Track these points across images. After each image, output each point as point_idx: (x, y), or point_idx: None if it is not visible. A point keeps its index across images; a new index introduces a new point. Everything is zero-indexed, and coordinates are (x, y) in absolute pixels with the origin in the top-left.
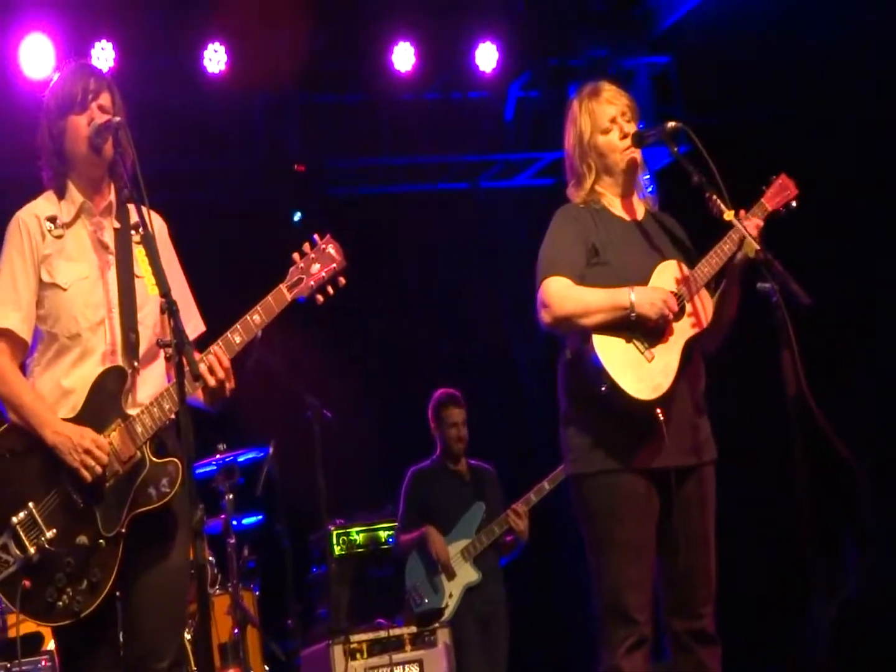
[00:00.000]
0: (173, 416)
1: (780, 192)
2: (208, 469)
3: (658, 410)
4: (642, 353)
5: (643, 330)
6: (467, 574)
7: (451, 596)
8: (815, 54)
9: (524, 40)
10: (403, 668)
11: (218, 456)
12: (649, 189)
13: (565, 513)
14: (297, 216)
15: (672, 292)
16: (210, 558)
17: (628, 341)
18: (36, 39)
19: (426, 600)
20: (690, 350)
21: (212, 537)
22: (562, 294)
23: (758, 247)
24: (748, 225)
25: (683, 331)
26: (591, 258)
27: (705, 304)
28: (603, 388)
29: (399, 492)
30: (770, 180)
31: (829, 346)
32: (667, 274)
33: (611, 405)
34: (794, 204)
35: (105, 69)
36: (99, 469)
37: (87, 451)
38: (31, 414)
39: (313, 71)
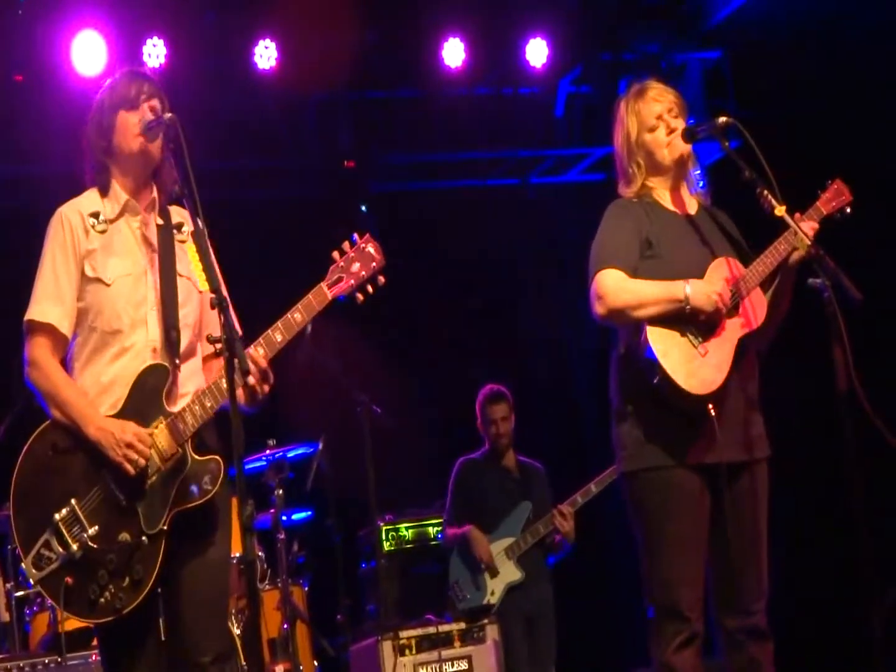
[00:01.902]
0: (214, 414)
1: (836, 197)
2: (258, 464)
3: (710, 406)
4: (696, 348)
5: (697, 325)
6: (510, 573)
7: (493, 594)
8: (868, 48)
9: (574, 35)
10: (452, 664)
11: (268, 451)
12: (701, 184)
13: (613, 510)
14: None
15: (727, 288)
16: (260, 554)
17: (682, 335)
18: (88, 36)
19: (468, 596)
20: (744, 347)
21: (261, 533)
22: (616, 286)
23: (809, 242)
24: (803, 226)
25: (737, 328)
26: (644, 251)
27: (759, 303)
28: (655, 380)
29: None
30: (826, 185)
31: (880, 341)
32: (721, 271)
33: (663, 399)
34: (848, 210)
35: (156, 66)
36: (142, 462)
37: (130, 445)
38: (73, 410)
39: (364, 67)
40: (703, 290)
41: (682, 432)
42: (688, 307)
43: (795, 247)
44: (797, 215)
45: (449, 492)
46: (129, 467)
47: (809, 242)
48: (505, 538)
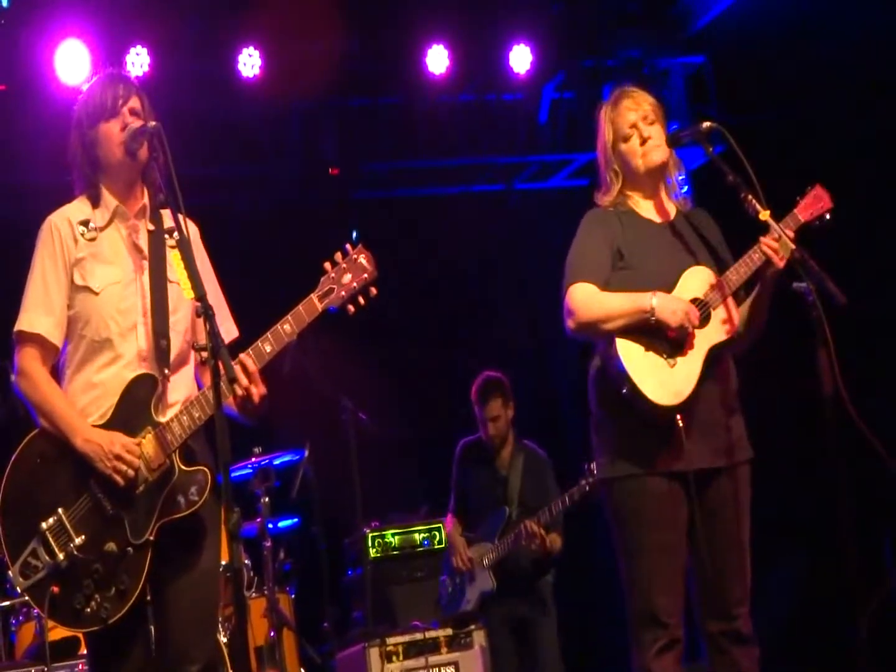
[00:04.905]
0: (202, 424)
1: (815, 204)
2: (244, 472)
3: (678, 416)
4: (665, 359)
5: (666, 337)
6: (484, 582)
7: (468, 602)
8: (851, 52)
9: (558, 42)
10: (440, 671)
11: (253, 459)
12: (685, 189)
13: (596, 516)
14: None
15: (698, 299)
16: (246, 562)
17: (651, 347)
18: (71, 45)
19: (448, 600)
20: (715, 355)
21: (248, 541)
22: (586, 300)
23: (793, 246)
24: (768, 241)
25: (708, 338)
26: (616, 262)
27: (732, 312)
28: (624, 391)
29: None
30: (805, 191)
31: (864, 344)
32: (694, 279)
33: (634, 409)
34: (827, 217)
35: (140, 74)
36: (131, 473)
37: (119, 457)
38: (61, 422)
39: (348, 75)
40: (670, 306)
41: (655, 440)
42: (653, 318)
43: (770, 257)
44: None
45: (452, 477)
46: (118, 479)
47: (794, 246)
48: (484, 543)
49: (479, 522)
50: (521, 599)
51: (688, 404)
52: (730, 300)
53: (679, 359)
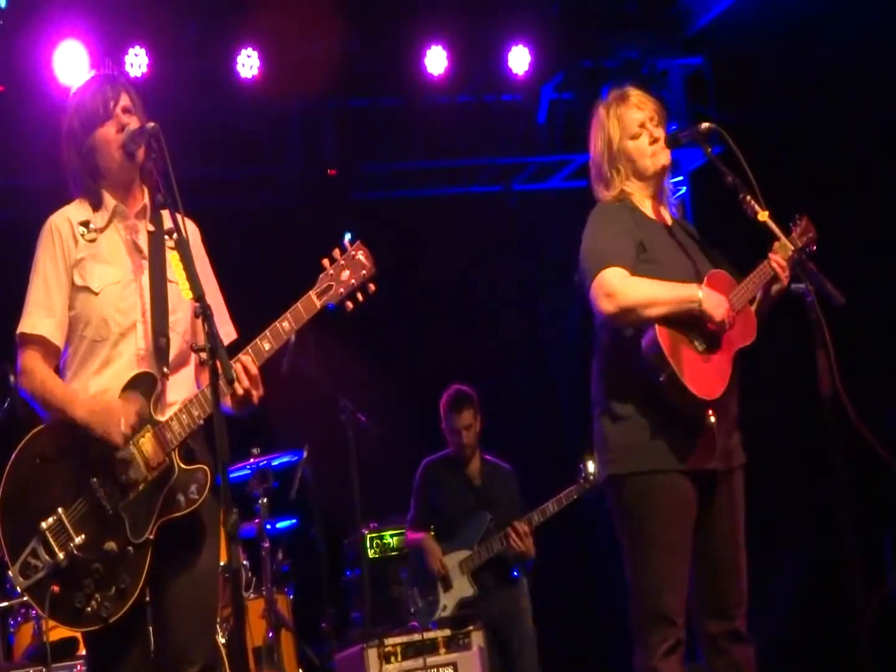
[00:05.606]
0: (202, 423)
1: (805, 234)
2: (242, 473)
3: (710, 412)
4: (701, 354)
5: (702, 332)
6: (463, 588)
7: (444, 608)
8: (851, 52)
9: (556, 43)
10: (438, 671)
11: (252, 460)
12: (682, 191)
13: (592, 514)
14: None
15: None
16: (244, 562)
17: (690, 339)
18: (70, 46)
19: (420, 606)
20: (736, 361)
21: (246, 541)
22: (625, 283)
23: (792, 248)
24: (777, 258)
25: (734, 341)
26: (639, 254)
27: (750, 319)
28: (661, 378)
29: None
30: (796, 220)
31: (863, 345)
32: (717, 281)
33: (660, 401)
34: (814, 248)
35: (138, 75)
36: (129, 431)
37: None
38: (57, 398)
39: (346, 76)
40: (714, 299)
41: (677, 437)
42: (699, 309)
43: (777, 273)
44: (775, 245)
45: (412, 493)
46: (114, 438)
47: (793, 247)
48: (461, 550)
49: (453, 534)
50: (501, 601)
51: (719, 402)
52: (748, 306)
53: (714, 356)
